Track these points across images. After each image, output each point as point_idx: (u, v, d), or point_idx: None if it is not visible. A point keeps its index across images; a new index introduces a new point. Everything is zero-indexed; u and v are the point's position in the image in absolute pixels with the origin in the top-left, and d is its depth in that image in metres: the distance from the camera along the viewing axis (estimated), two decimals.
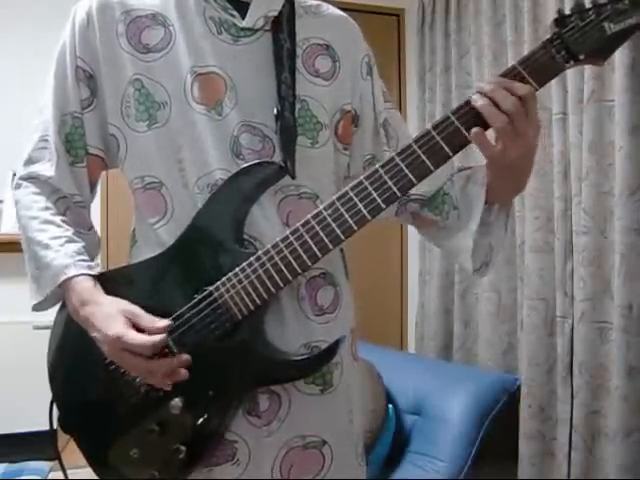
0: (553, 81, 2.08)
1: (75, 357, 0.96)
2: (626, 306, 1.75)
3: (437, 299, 2.75)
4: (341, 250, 1.04)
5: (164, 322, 0.86)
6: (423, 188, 1.02)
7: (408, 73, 3.18)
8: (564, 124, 2.01)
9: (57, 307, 0.98)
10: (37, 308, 0.96)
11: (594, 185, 1.86)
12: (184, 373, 0.86)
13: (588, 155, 1.87)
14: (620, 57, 1.74)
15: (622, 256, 1.75)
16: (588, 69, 1.84)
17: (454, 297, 2.65)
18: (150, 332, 0.85)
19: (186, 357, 0.85)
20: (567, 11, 0.83)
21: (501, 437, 2.09)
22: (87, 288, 0.90)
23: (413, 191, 0.98)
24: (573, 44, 0.81)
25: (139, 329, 0.85)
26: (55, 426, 0.98)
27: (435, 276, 2.76)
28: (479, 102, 0.82)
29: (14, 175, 1.00)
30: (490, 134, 0.85)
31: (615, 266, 1.79)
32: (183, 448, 0.90)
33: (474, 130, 0.83)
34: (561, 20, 0.81)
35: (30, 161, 0.97)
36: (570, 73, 1.95)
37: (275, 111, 0.93)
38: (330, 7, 1.07)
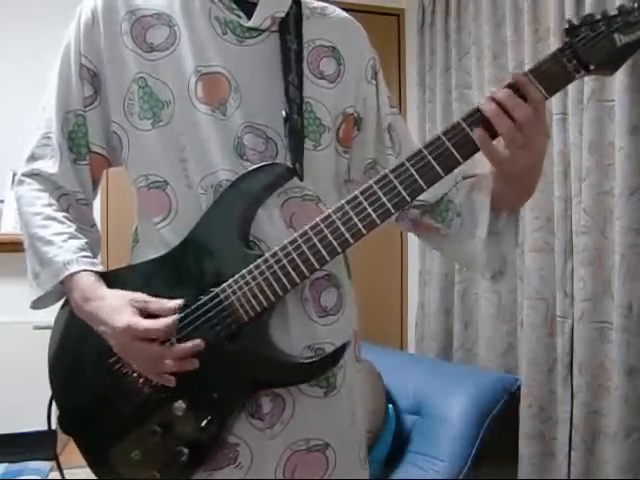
0: None
1: (76, 356, 0.95)
2: (626, 306, 1.75)
3: (437, 299, 2.75)
4: (344, 252, 1.04)
5: (174, 302, 0.86)
6: (426, 194, 1.01)
7: (408, 73, 3.18)
8: (564, 124, 2.01)
9: (57, 306, 0.98)
10: (36, 305, 0.95)
11: (594, 185, 1.86)
12: (195, 362, 0.86)
13: (588, 155, 1.87)
14: None
15: (622, 256, 1.75)
16: None
17: (454, 297, 2.65)
18: (161, 314, 0.85)
19: (199, 342, 0.85)
20: (568, 16, 0.83)
21: (501, 437, 2.09)
22: (90, 284, 0.89)
23: None
24: (584, 54, 0.81)
25: (148, 316, 0.85)
26: (54, 426, 0.97)
27: (435, 276, 2.76)
28: (487, 106, 0.82)
29: (14, 175, 1.00)
30: (498, 142, 0.84)
31: (615, 266, 1.78)
32: (185, 450, 0.90)
33: (476, 132, 0.82)
34: (572, 30, 0.82)
35: (32, 158, 0.97)
36: None
37: (283, 113, 0.92)
38: (336, 9, 1.06)
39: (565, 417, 2.00)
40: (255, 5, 0.95)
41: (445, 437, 2.02)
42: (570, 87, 1.95)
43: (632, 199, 1.74)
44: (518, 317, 2.28)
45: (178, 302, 0.86)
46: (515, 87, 0.82)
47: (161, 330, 0.84)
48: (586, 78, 1.86)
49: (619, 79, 1.74)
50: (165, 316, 0.85)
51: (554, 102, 2.04)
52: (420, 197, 1.00)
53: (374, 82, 1.05)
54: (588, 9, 1.81)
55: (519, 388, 2.15)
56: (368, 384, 2.12)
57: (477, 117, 0.83)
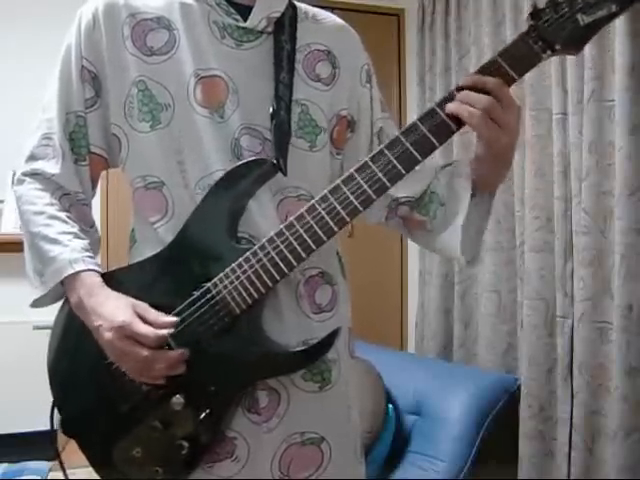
0: (553, 81, 2.09)
1: (76, 356, 0.96)
2: (626, 306, 1.75)
3: (437, 299, 2.75)
4: (337, 252, 1.05)
5: (170, 318, 0.88)
6: (411, 190, 1.04)
7: (408, 73, 3.18)
8: (564, 124, 2.01)
9: (57, 306, 0.98)
10: (37, 304, 0.96)
11: (594, 185, 1.86)
12: (182, 367, 0.87)
13: (588, 155, 1.87)
14: (620, 57, 1.74)
15: (622, 256, 1.75)
16: (588, 69, 1.85)
17: (454, 297, 2.65)
18: (156, 326, 0.86)
19: (184, 351, 0.87)
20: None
21: (501, 437, 2.09)
22: (96, 282, 0.91)
23: (402, 194, 1.01)
24: (549, 35, 0.85)
25: (145, 322, 0.87)
26: (56, 427, 0.98)
27: (435, 276, 2.77)
28: (450, 106, 0.85)
29: (14, 175, 1.00)
30: None
31: (615, 266, 1.79)
32: (186, 444, 0.91)
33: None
34: (536, 13, 0.85)
35: (33, 158, 0.98)
36: (570, 73, 1.95)
37: (270, 110, 0.94)
38: (331, 15, 1.09)
39: (565, 417, 2.00)
40: (252, 9, 0.97)
41: (445, 437, 2.02)
42: (570, 87, 1.96)
43: (632, 199, 1.74)
44: (518, 317, 2.28)
45: (173, 318, 0.88)
46: (471, 84, 0.85)
47: (152, 338, 0.85)
48: (586, 78, 1.86)
49: (619, 79, 1.75)
50: (159, 328, 0.87)
51: (554, 102, 2.04)
52: (405, 193, 1.03)
53: (368, 86, 1.08)
54: None
55: (519, 388, 2.15)
56: (368, 384, 2.12)
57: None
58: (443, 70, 2.75)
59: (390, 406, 2.16)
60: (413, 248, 3.09)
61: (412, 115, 3.02)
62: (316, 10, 1.07)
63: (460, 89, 0.86)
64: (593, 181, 1.86)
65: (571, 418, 1.97)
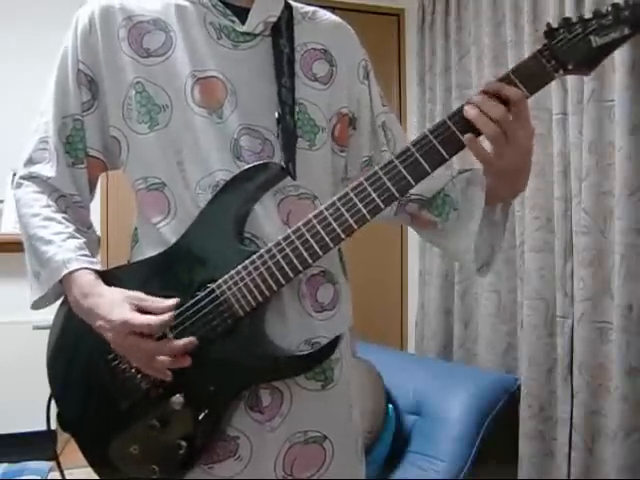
0: (553, 81, 2.08)
1: (75, 353, 0.96)
2: (626, 306, 1.75)
3: (437, 299, 2.75)
4: (339, 250, 1.05)
5: (170, 301, 0.88)
6: (424, 189, 1.04)
7: (408, 73, 3.18)
8: (564, 124, 2.02)
9: (56, 306, 0.98)
10: (36, 305, 0.97)
11: (594, 185, 1.86)
12: (188, 360, 0.87)
13: (588, 155, 1.87)
14: (620, 57, 1.74)
15: (622, 256, 1.75)
16: None
17: (454, 297, 2.65)
18: (157, 312, 0.86)
19: (192, 339, 0.87)
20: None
21: (501, 437, 2.09)
22: (89, 281, 0.91)
23: (413, 191, 1.00)
24: (562, 55, 0.85)
25: (145, 313, 0.87)
26: (53, 426, 0.98)
27: (435, 276, 2.77)
28: (470, 112, 0.85)
29: (14, 175, 1.01)
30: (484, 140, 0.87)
31: (615, 266, 1.79)
32: (184, 443, 0.91)
33: (466, 136, 0.85)
34: (550, 33, 0.86)
35: (31, 161, 0.99)
36: None
37: (276, 115, 0.95)
38: (327, 13, 1.09)
39: (565, 417, 2.00)
40: (248, 11, 0.97)
41: (445, 437, 2.02)
42: (570, 87, 1.96)
43: (632, 199, 1.74)
44: (518, 317, 2.28)
45: (173, 301, 0.88)
46: (493, 90, 0.85)
47: (156, 326, 0.86)
48: (586, 78, 1.86)
49: (619, 78, 1.75)
50: (161, 313, 0.86)
51: (554, 102, 2.04)
52: (417, 191, 1.03)
53: (366, 82, 1.08)
54: (588, 9, 1.81)
55: (519, 388, 2.15)
56: (368, 384, 2.12)
57: (462, 115, 0.86)
58: (443, 70, 2.75)
59: (390, 406, 2.16)
60: (413, 248, 3.09)
61: (412, 115, 3.02)
62: (312, 8, 1.07)
63: (473, 103, 0.85)
64: (593, 181, 1.86)
65: (571, 418, 1.97)
